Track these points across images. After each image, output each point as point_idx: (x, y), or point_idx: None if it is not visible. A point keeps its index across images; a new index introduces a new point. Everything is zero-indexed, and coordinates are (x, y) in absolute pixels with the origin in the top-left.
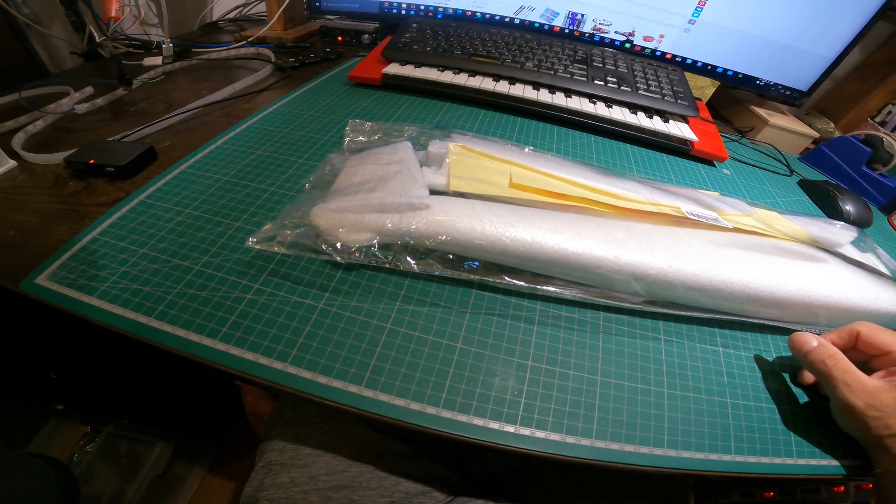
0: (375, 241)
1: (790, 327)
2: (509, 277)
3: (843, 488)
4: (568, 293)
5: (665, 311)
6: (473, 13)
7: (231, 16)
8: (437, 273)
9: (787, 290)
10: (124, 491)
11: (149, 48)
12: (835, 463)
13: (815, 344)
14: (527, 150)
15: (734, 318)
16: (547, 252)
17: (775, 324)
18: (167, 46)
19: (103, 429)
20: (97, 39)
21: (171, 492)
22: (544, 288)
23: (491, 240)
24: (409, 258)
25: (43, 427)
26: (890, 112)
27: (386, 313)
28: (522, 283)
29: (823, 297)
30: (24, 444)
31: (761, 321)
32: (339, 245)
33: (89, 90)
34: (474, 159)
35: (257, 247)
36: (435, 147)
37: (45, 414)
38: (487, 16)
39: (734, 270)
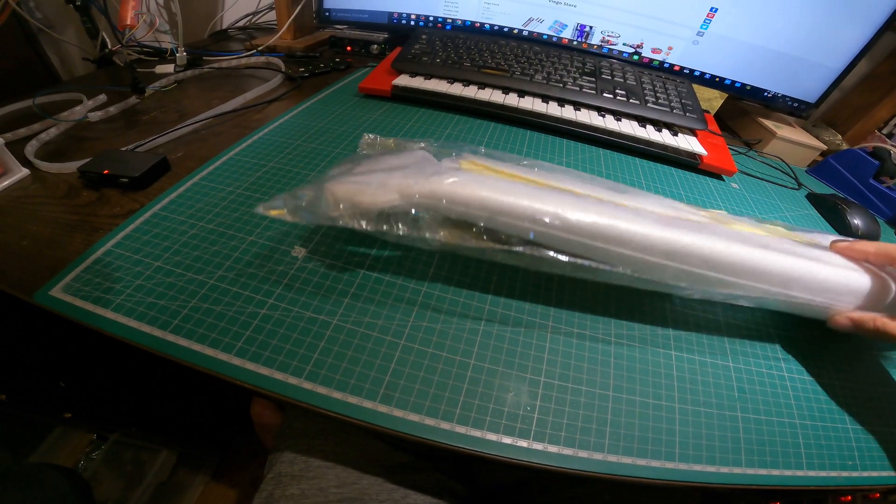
0: (398, 203)
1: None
2: (554, 253)
3: (850, 498)
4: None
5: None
6: (482, 24)
7: (241, 24)
8: (470, 245)
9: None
10: (128, 498)
11: (162, 56)
12: (844, 474)
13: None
14: (536, 170)
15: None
16: (583, 225)
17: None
18: (181, 55)
19: (109, 436)
20: (110, 47)
21: (174, 499)
22: (581, 262)
23: (527, 210)
24: (435, 227)
25: (49, 435)
26: None
27: (399, 329)
28: (564, 260)
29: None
30: (31, 451)
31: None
32: (356, 211)
33: (102, 98)
34: (488, 177)
35: (270, 213)
36: (447, 164)
37: (53, 422)
38: (496, 27)
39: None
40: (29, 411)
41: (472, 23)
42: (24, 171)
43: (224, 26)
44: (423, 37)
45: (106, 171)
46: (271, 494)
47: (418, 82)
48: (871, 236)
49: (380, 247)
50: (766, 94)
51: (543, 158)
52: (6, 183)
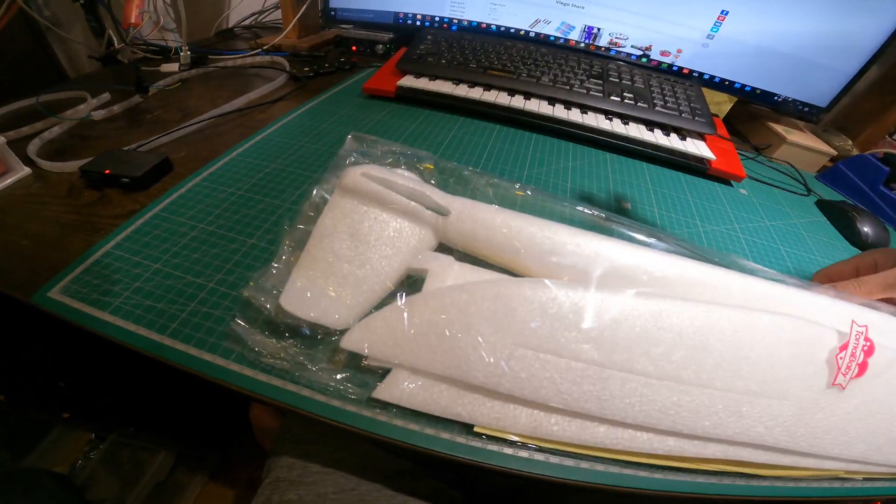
0: None
1: None
2: None
3: None
4: None
5: None
6: (488, 25)
7: (247, 23)
8: None
9: None
10: (125, 498)
11: (167, 54)
12: (836, 486)
13: None
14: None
15: None
16: None
17: None
18: (185, 54)
19: (108, 436)
20: (116, 45)
21: (171, 499)
22: None
23: None
24: None
25: (47, 435)
26: None
27: None
28: None
29: None
30: (29, 451)
31: None
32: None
33: (106, 96)
34: None
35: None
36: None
37: (52, 422)
38: (503, 28)
39: None
40: (28, 411)
41: (479, 23)
42: (26, 170)
43: (230, 25)
44: (429, 37)
45: (108, 171)
46: (269, 499)
47: (423, 83)
48: (881, 244)
49: None
50: (776, 98)
51: (549, 162)
52: (7, 182)
